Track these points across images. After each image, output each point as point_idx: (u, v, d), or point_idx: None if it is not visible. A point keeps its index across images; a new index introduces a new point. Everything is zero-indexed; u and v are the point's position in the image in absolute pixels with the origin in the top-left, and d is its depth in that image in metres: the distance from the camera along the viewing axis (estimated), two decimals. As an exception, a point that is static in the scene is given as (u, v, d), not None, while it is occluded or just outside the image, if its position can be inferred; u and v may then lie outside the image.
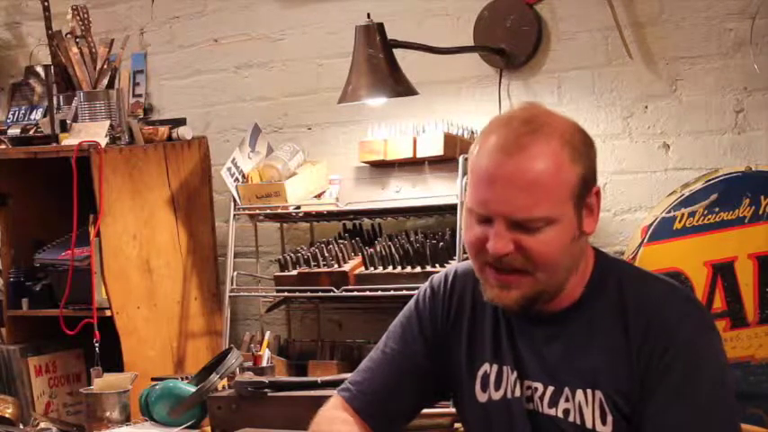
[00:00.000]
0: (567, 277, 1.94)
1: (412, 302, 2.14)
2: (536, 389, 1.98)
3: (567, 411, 1.94)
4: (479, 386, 2.04)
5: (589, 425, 1.92)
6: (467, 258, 2.03)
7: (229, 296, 3.68)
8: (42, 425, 3.47)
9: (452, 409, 2.21)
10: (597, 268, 1.99)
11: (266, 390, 2.86)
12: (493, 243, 1.87)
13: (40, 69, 4.33)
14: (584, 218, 1.92)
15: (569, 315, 1.97)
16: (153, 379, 3.31)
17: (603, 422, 1.91)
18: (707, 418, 1.86)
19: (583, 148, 1.91)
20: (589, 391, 1.92)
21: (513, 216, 1.86)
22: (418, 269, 3.31)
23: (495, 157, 1.86)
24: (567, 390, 1.94)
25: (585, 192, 1.91)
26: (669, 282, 2.00)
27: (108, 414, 3.21)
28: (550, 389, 1.96)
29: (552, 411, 1.96)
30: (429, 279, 2.15)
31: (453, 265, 2.14)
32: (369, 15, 3.27)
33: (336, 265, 3.44)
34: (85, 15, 3.80)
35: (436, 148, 3.42)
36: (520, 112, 1.94)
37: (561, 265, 1.91)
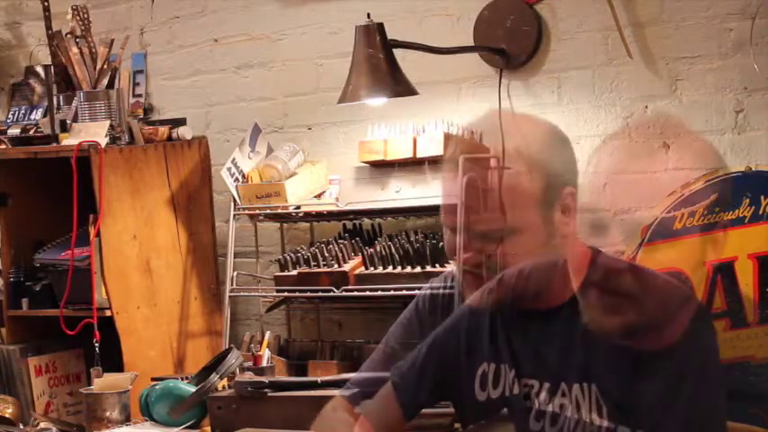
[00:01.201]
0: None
1: (412, 304, 2.16)
2: (533, 385, 1.99)
3: (563, 406, 1.95)
4: (478, 386, 2.05)
5: (586, 418, 1.93)
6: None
7: (229, 296, 3.68)
8: (42, 425, 3.46)
9: (452, 409, 2.21)
10: (592, 265, 1.99)
11: (266, 390, 2.86)
12: (461, 254, 1.95)
13: (40, 69, 4.33)
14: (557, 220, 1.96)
15: (564, 311, 1.98)
16: (153, 379, 3.32)
17: (600, 414, 1.92)
18: (693, 412, 1.87)
19: (551, 149, 1.93)
20: (585, 385, 1.93)
21: (475, 228, 1.93)
22: (418, 269, 3.30)
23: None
24: (563, 385, 1.95)
25: (553, 196, 1.94)
26: (663, 277, 2.01)
27: (108, 414, 3.22)
28: (547, 385, 1.97)
29: (550, 407, 1.96)
30: (429, 281, 2.16)
31: (453, 267, 2.15)
32: (369, 15, 3.27)
33: (336, 265, 3.44)
34: (85, 15, 3.80)
35: (436, 148, 3.42)
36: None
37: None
